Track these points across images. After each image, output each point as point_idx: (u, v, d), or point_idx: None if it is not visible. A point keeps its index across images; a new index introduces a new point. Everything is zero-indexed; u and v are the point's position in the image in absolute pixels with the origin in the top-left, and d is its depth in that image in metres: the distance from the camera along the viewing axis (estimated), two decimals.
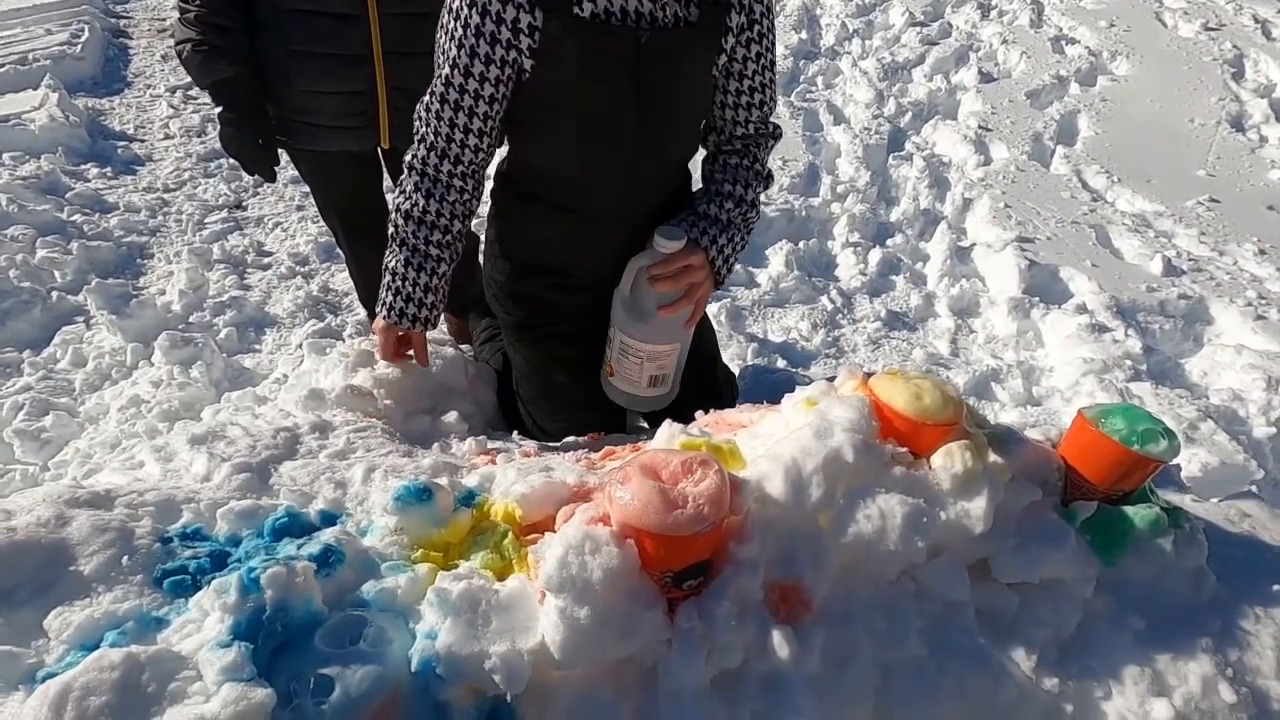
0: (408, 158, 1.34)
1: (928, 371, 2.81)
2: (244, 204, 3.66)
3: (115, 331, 2.53)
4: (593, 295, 1.42)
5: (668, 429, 0.98)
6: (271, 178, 1.99)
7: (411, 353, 1.48)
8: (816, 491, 0.82)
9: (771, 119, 1.40)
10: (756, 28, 1.27)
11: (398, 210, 1.34)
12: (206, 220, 3.46)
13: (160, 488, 0.90)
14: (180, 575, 0.78)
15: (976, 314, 3.22)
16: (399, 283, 1.37)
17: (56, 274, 2.88)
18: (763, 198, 1.45)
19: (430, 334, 1.68)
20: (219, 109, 1.86)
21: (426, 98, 1.30)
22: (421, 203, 1.31)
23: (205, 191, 3.69)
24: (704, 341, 1.63)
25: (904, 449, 0.88)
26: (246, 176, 3.80)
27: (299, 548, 0.81)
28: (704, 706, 0.75)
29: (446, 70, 1.23)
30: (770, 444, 0.90)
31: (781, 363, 2.83)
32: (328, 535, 0.84)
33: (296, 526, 0.87)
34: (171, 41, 1.83)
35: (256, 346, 2.74)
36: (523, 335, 1.53)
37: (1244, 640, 0.85)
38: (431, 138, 1.28)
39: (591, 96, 1.22)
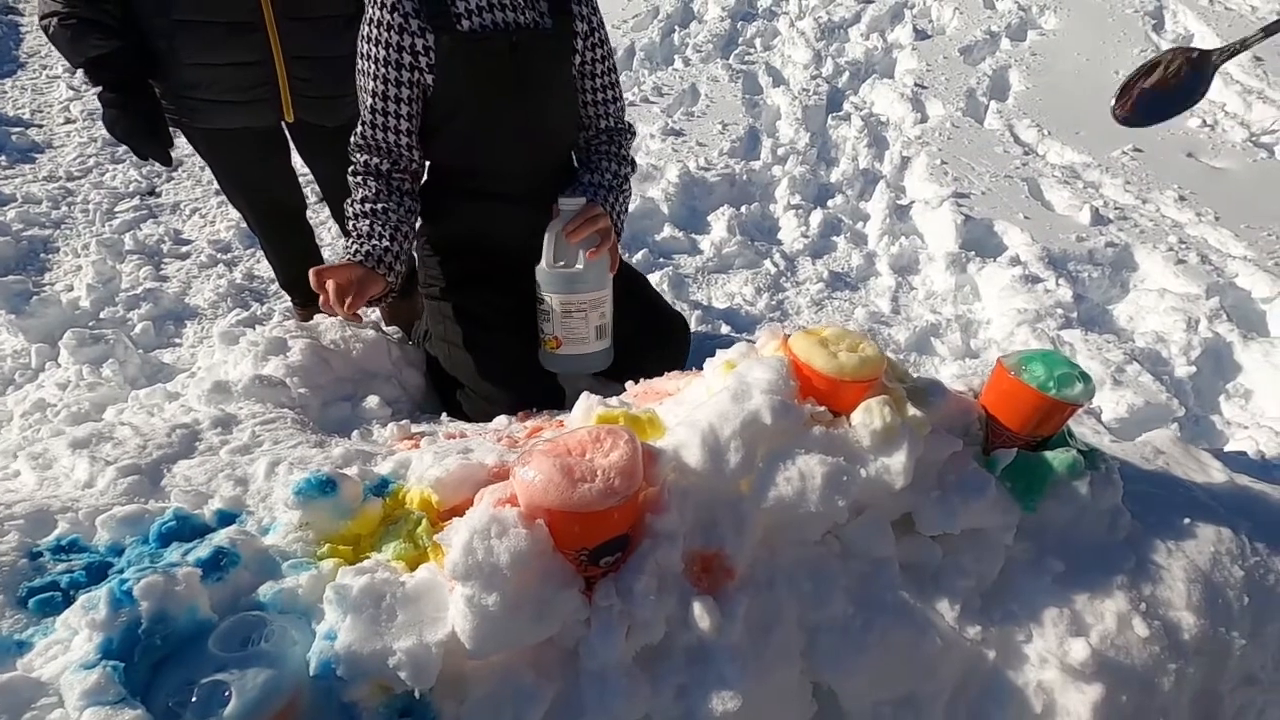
0: (351, 169, 1.55)
1: (868, 330, 2.84)
2: (157, 190, 3.45)
3: (16, 332, 2.36)
4: (511, 263, 1.57)
5: (585, 401, 0.95)
6: (166, 161, 1.85)
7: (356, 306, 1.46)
8: (735, 456, 0.80)
9: (625, 119, 1.72)
10: (597, 35, 1.59)
11: (351, 203, 1.53)
12: (116, 209, 3.25)
13: (33, 498, 0.82)
14: (50, 592, 0.71)
15: (916, 271, 3.26)
16: (359, 237, 1.49)
17: None
18: (631, 177, 1.72)
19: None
20: (97, 89, 1.71)
21: (357, 128, 1.53)
22: (372, 184, 1.51)
23: (114, 178, 3.46)
24: (638, 286, 1.85)
25: (823, 408, 0.86)
26: (161, 167, 3.58)
27: (186, 553, 0.75)
28: (628, 684, 0.73)
29: (370, 100, 1.48)
30: (690, 410, 0.87)
31: (726, 329, 2.81)
32: (221, 536, 0.79)
33: (186, 530, 0.81)
34: None
35: (176, 340, 2.60)
36: (456, 312, 1.61)
37: (1157, 575, 0.87)
38: (368, 150, 1.52)
39: (481, 94, 1.48)
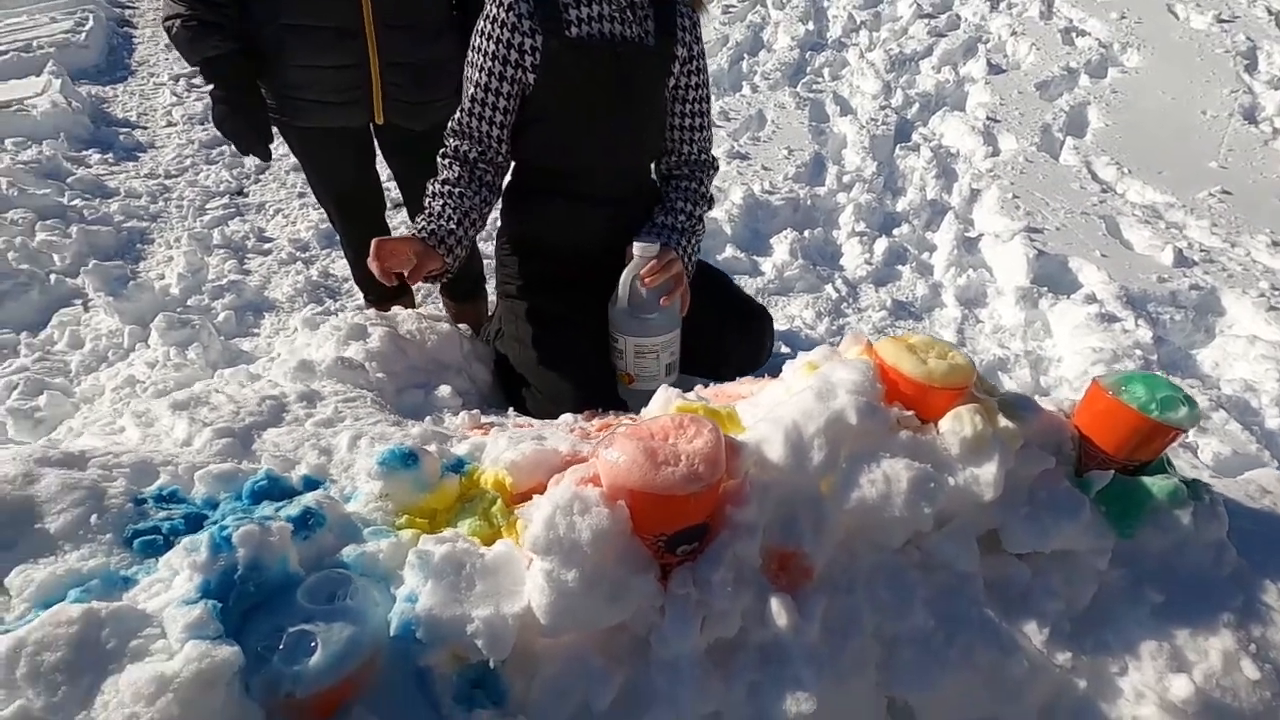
0: (441, 151, 1.61)
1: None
2: (245, 190, 3.64)
3: (112, 314, 2.51)
4: (588, 266, 1.62)
5: (663, 394, 0.95)
6: (266, 156, 1.95)
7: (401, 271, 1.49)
8: (818, 455, 0.78)
9: (711, 152, 1.76)
10: (695, 63, 1.65)
11: (433, 182, 1.58)
12: (207, 206, 3.44)
13: (138, 451, 0.87)
14: (152, 535, 0.74)
15: (984, 304, 3.17)
16: (429, 215, 1.54)
17: (55, 257, 2.86)
18: (706, 215, 1.77)
19: (426, 310, 1.66)
20: (210, 86, 1.83)
21: (456, 114, 1.60)
22: (456, 169, 1.57)
23: (207, 178, 3.68)
24: (719, 281, 1.91)
25: (910, 413, 0.84)
26: (248, 163, 3.78)
27: (277, 510, 0.78)
28: (699, 677, 0.72)
29: (472, 90, 1.55)
30: (770, 409, 0.86)
31: (785, 349, 2.78)
32: (308, 499, 0.81)
33: (276, 490, 0.84)
34: None
35: (255, 330, 2.72)
36: (530, 312, 1.65)
37: (1267, 616, 0.81)
38: (462, 136, 1.58)
39: (581, 97, 1.54)
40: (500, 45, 1.49)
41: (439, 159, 1.60)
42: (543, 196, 1.65)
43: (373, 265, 1.41)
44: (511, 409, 1.55)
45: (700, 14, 1.68)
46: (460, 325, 1.85)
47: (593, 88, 1.53)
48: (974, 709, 0.77)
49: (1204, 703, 0.74)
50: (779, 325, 2.96)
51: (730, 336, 1.65)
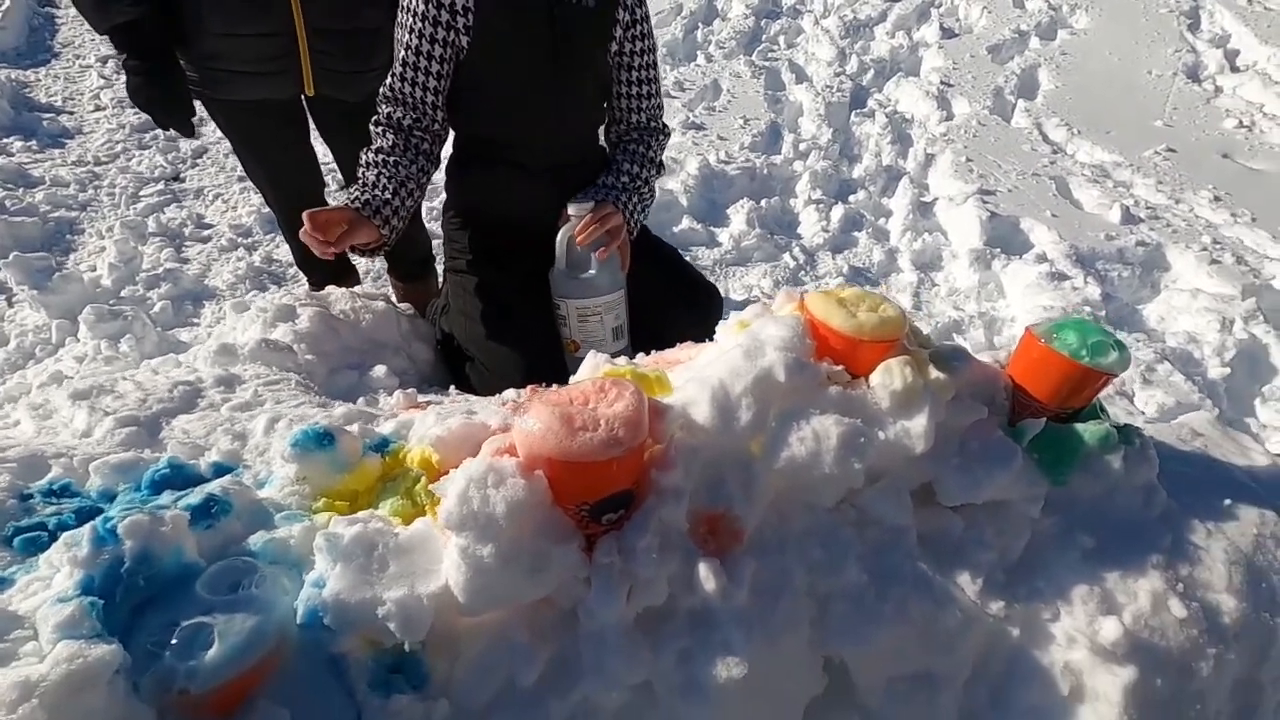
0: (374, 119, 1.54)
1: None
2: (182, 175, 3.48)
3: (38, 307, 2.39)
4: (534, 239, 1.56)
5: (592, 359, 0.92)
6: (189, 131, 1.85)
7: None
8: (746, 414, 0.76)
9: (661, 117, 1.70)
10: (639, 28, 1.56)
11: (366, 151, 1.51)
12: (141, 193, 3.28)
13: (29, 444, 0.81)
14: (37, 532, 0.69)
15: (939, 267, 3.20)
16: (363, 185, 1.46)
17: None
18: (654, 181, 1.70)
19: (361, 289, 1.60)
20: (123, 56, 1.72)
21: (387, 79, 1.52)
22: (390, 137, 1.50)
23: (140, 164, 3.50)
24: (666, 254, 1.84)
25: (840, 368, 0.82)
26: (184, 146, 3.61)
27: (176, 500, 0.73)
28: (628, 647, 0.70)
29: (403, 53, 1.48)
30: (699, 370, 0.83)
31: None
32: (213, 486, 0.76)
33: (180, 478, 0.79)
34: None
35: (194, 320, 2.61)
36: (478, 287, 1.60)
37: (1195, 555, 0.81)
38: (395, 102, 1.51)
39: (517, 60, 1.47)
40: (430, 5, 1.42)
41: (371, 127, 1.53)
42: (483, 166, 1.60)
43: (306, 237, 1.33)
44: (453, 387, 1.50)
45: None
46: (402, 305, 1.79)
47: (528, 50, 1.46)
48: (909, 662, 0.77)
49: (1133, 643, 0.74)
50: (736, 295, 2.95)
51: (676, 312, 1.60)
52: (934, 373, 0.81)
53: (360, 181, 1.48)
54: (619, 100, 1.62)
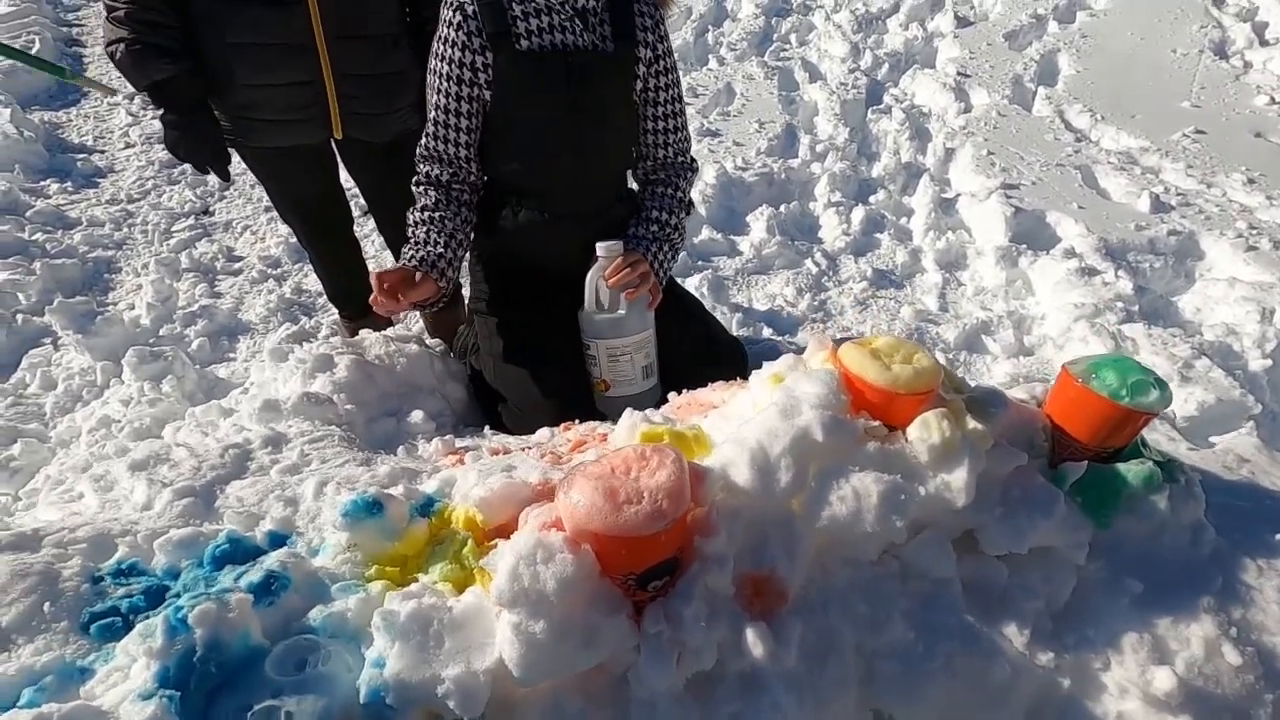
0: (415, 180, 1.59)
1: (916, 330, 2.76)
2: (211, 209, 3.57)
3: (83, 351, 2.47)
4: (560, 281, 1.58)
5: (629, 418, 0.93)
6: (226, 177, 1.91)
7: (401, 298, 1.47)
8: (785, 475, 0.77)
9: (689, 153, 1.70)
10: (662, 63, 1.58)
11: (412, 211, 1.56)
12: (173, 229, 3.37)
13: (95, 521, 0.85)
14: (111, 618, 0.73)
15: (964, 266, 3.15)
16: (415, 244, 1.52)
17: (20, 296, 2.80)
18: (685, 222, 1.70)
19: (393, 332, 1.63)
20: (160, 111, 1.77)
21: (422, 140, 1.58)
22: (433, 194, 1.55)
23: (170, 199, 3.60)
24: (694, 310, 1.84)
25: (877, 422, 0.82)
26: (212, 180, 3.70)
27: (238, 577, 0.76)
28: (679, 713, 0.71)
29: (434, 114, 1.54)
30: (736, 426, 0.84)
31: (768, 331, 2.77)
32: (272, 560, 0.79)
33: (239, 552, 0.82)
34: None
35: (231, 355, 2.68)
36: (502, 327, 1.62)
37: (1247, 596, 0.80)
38: (431, 160, 1.56)
39: (535, 113, 1.50)
40: (454, 65, 1.47)
41: (414, 187, 1.58)
42: (510, 211, 1.62)
43: (377, 305, 1.42)
44: (488, 427, 1.53)
45: (665, 11, 1.60)
46: (432, 342, 1.82)
47: (547, 100, 1.49)
48: (960, 716, 0.77)
49: (1187, 693, 0.74)
50: (760, 305, 2.95)
51: (702, 370, 1.52)
52: (971, 423, 0.81)
53: (411, 241, 1.53)
54: (645, 137, 1.62)
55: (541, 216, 1.59)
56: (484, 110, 1.51)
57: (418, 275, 1.45)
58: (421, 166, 1.57)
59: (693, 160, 1.70)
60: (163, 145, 1.86)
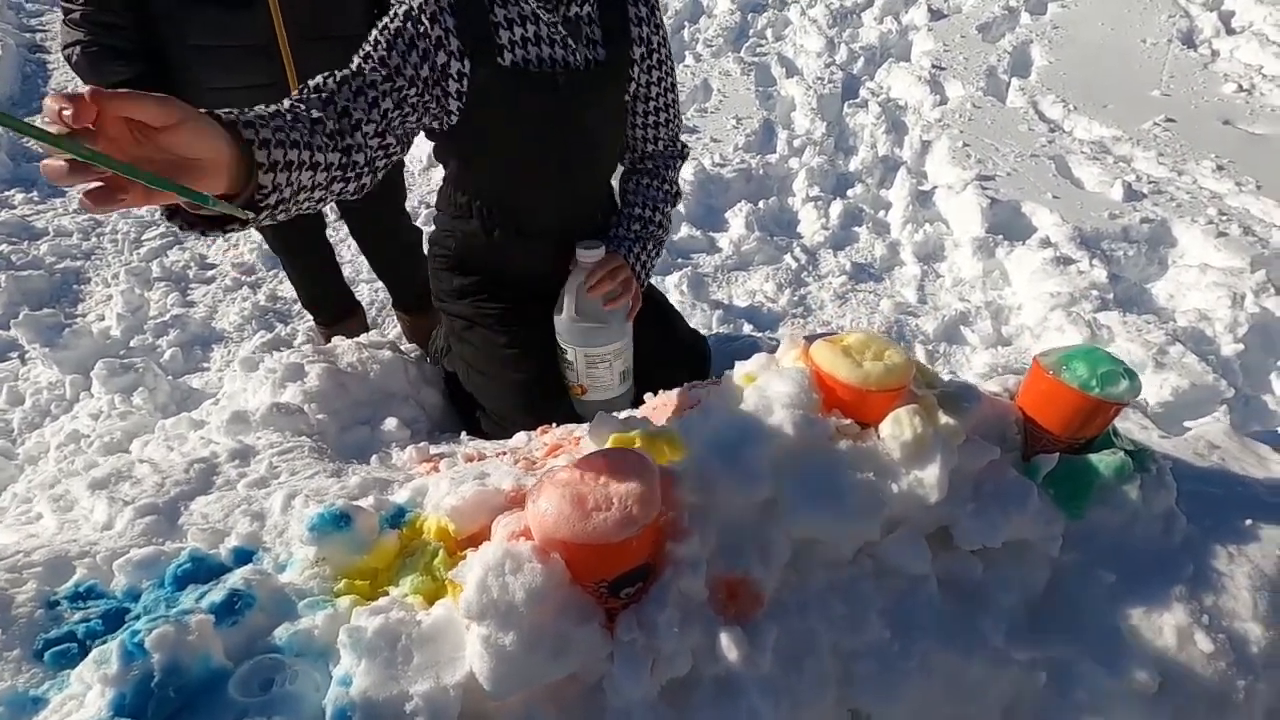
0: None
1: (895, 322, 2.77)
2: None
3: (50, 364, 2.41)
4: (532, 294, 1.50)
5: (599, 423, 0.92)
6: None
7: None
8: (758, 476, 0.76)
9: (679, 138, 1.55)
10: (656, 55, 1.41)
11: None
12: (143, 237, 3.31)
13: (52, 543, 0.82)
14: (66, 644, 0.70)
15: (942, 258, 3.18)
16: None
17: None
18: (671, 214, 1.59)
19: (366, 338, 1.60)
20: None
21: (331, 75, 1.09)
22: (332, 84, 1.05)
23: (140, 207, 3.53)
24: (657, 306, 1.73)
25: (849, 420, 0.82)
26: None
27: (200, 597, 0.74)
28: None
29: (360, 59, 1.15)
30: (708, 428, 0.83)
31: (748, 328, 2.77)
32: (236, 578, 0.77)
33: (203, 571, 0.80)
34: None
35: (205, 365, 2.63)
36: (472, 331, 1.55)
37: (1218, 583, 0.81)
38: (339, 79, 1.08)
39: (518, 138, 1.33)
40: (419, 43, 1.16)
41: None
42: (481, 226, 1.47)
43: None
44: (464, 433, 1.51)
45: None
46: (407, 348, 1.80)
47: (532, 125, 1.31)
48: (937, 712, 0.77)
49: (1161, 683, 0.74)
50: (740, 301, 2.95)
51: (667, 372, 1.49)
52: (943, 418, 0.81)
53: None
54: (634, 130, 1.48)
55: (520, 237, 1.47)
56: (443, 124, 1.28)
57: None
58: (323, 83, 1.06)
59: (683, 146, 1.57)
60: None
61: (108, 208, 0.65)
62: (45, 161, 0.61)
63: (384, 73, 1.14)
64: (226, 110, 0.81)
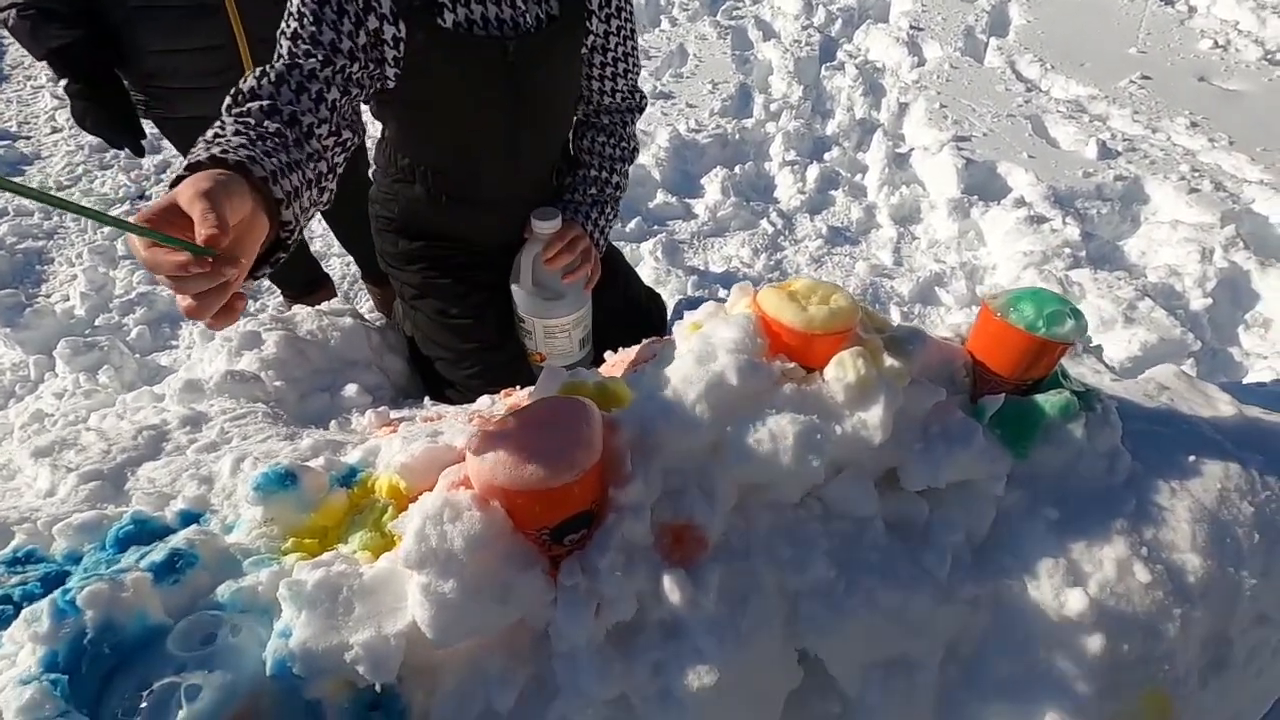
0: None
1: (871, 285, 2.77)
2: (147, 193, 3.43)
3: (13, 345, 2.37)
4: (481, 257, 1.47)
5: (549, 374, 0.91)
6: (139, 151, 1.83)
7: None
8: (702, 421, 0.76)
9: (638, 88, 1.48)
10: (615, 3, 1.31)
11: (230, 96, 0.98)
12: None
13: None
14: (2, 607, 0.70)
15: (918, 220, 3.17)
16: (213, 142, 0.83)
17: None
18: (628, 171, 1.54)
19: (327, 306, 1.58)
20: (64, 81, 1.68)
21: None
22: (269, 88, 0.98)
23: (103, 185, 3.45)
24: (615, 265, 1.69)
25: (794, 365, 0.81)
26: (147, 163, 3.55)
27: (141, 558, 0.73)
28: (599, 664, 0.70)
29: (289, 41, 1.06)
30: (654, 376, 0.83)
31: (724, 293, 2.76)
32: (178, 538, 0.76)
33: (145, 533, 0.79)
34: None
35: (173, 342, 2.60)
36: (419, 295, 1.50)
37: (1159, 517, 0.82)
38: (274, 77, 1.00)
39: (465, 106, 1.24)
40: (347, 20, 1.05)
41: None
42: (425, 191, 1.39)
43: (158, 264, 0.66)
44: (427, 399, 1.50)
45: None
46: (372, 316, 1.77)
47: (478, 92, 1.22)
48: (883, 649, 0.78)
49: (1099, 612, 0.75)
50: (716, 267, 2.93)
51: (622, 330, 1.49)
52: (888, 360, 0.81)
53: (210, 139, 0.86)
54: (590, 83, 1.40)
55: (467, 204, 1.40)
56: (382, 88, 1.17)
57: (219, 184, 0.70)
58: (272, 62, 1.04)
59: (641, 96, 1.48)
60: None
61: (228, 319, 0.73)
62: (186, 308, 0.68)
63: (320, 55, 1.03)
64: (221, 153, 0.78)
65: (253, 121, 0.90)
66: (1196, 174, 3.05)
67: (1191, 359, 2.26)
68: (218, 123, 0.90)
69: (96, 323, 2.57)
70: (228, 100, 0.97)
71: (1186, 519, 0.81)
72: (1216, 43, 3.97)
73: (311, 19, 1.04)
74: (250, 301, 2.73)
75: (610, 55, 1.37)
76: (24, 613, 0.63)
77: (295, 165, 0.87)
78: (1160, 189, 2.99)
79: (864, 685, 0.79)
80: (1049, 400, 0.85)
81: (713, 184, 3.28)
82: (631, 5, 1.36)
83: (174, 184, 0.72)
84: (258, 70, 1.00)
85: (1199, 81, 3.73)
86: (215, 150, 0.77)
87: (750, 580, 0.75)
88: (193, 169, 0.74)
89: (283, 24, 1.07)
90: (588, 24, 1.29)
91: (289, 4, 1.09)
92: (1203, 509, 0.83)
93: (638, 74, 1.44)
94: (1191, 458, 0.88)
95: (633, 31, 1.38)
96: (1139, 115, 3.48)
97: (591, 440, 0.70)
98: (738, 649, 0.72)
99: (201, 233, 0.65)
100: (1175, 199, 2.91)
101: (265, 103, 0.94)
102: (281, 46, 1.06)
